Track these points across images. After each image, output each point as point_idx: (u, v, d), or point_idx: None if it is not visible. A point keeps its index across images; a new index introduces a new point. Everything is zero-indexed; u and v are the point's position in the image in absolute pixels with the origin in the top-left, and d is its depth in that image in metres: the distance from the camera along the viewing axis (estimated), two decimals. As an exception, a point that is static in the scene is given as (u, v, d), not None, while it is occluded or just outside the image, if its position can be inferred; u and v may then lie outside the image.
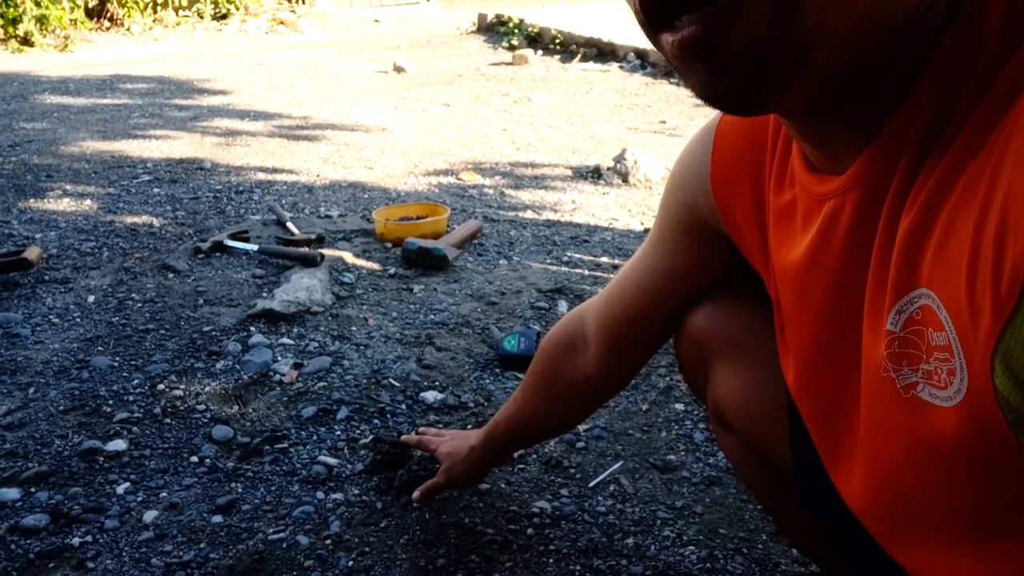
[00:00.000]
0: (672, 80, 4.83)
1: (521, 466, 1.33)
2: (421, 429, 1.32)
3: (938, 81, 0.43)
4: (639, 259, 0.87)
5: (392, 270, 2.14)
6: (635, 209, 2.67)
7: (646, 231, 2.05)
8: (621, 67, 5.36)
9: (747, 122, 0.66)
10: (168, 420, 1.44)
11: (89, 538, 1.15)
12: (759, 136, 0.64)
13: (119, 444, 1.36)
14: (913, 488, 0.50)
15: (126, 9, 7.39)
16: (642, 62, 5.29)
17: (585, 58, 5.68)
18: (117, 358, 1.66)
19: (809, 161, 0.55)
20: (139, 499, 1.23)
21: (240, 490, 1.26)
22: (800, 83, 0.43)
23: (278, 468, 1.32)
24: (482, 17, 7.35)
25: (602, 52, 5.71)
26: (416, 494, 1.18)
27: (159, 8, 7.65)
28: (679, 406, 1.51)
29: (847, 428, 0.56)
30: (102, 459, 1.32)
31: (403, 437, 1.30)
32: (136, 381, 1.57)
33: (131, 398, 1.51)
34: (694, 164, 0.73)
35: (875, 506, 0.55)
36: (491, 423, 1.12)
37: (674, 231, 0.80)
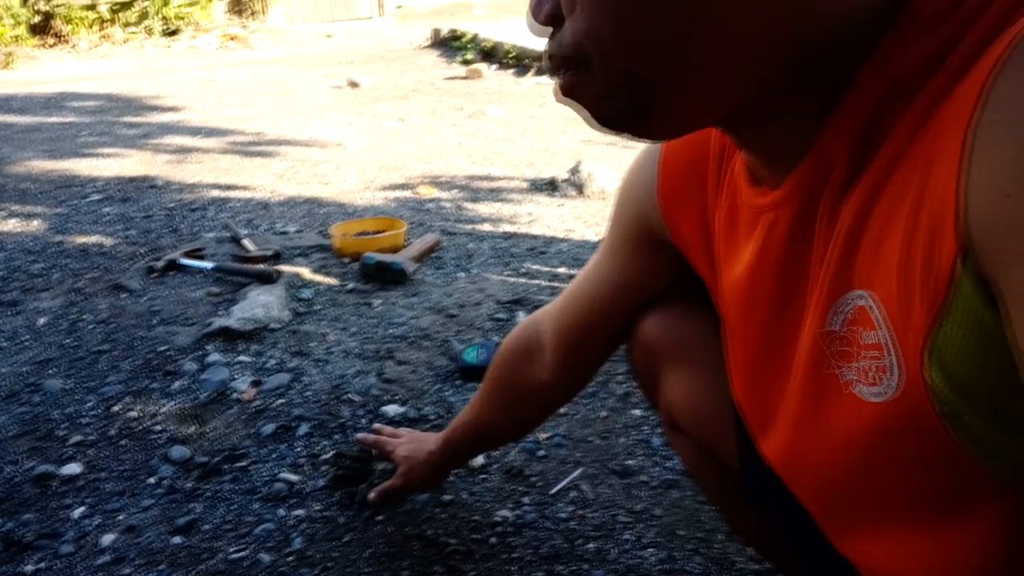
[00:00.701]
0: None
1: (483, 476, 1.34)
2: (376, 427, 1.32)
3: (866, 95, 0.45)
4: (591, 268, 0.90)
5: (350, 285, 2.14)
6: (591, 220, 2.71)
7: (602, 242, 2.11)
8: (574, 80, 5.44)
9: (692, 136, 0.68)
10: (124, 442, 1.42)
11: (43, 564, 1.13)
12: (703, 148, 0.66)
13: (73, 468, 1.34)
14: (853, 481, 0.52)
15: (72, 25, 7.26)
16: (595, 75, 5.38)
17: (539, 72, 5.75)
18: (70, 381, 1.63)
19: (752, 173, 0.57)
20: (95, 523, 1.22)
21: (200, 510, 1.25)
22: (659, 122, 0.50)
23: (238, 486, 1.31)
24: (436, 32, 7.39)
25: (555, 66, 5.78)
26: (372, 495, 1.20)
27: (106, 25, 7.53)
28: (636, 412, 1.54)
29: (787, 429, 0.59)
30: (56, 484, 1.30)
31: (359, 436, 1.31)
32: (90, 403, 1.54)
33: (85, 421, 1.49)
34: (642, 176, 0.76)
35: (820, 500, 0.58)
36: (449, 428, 1.14)
37: (624, 242, 0.83)
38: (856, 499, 0.53)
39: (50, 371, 1.66)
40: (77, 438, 1.42)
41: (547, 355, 0.97)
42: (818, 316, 0.50)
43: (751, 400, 0.63)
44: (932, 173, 0.39)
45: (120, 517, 1.23)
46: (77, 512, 1.24)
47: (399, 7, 9.81)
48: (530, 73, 5.74)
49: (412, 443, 1.21)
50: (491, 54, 6.38)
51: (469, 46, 6.60)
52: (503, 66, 6.07)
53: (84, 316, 1.93)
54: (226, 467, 1.35)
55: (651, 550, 1.17)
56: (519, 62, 6.03)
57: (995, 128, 0.36)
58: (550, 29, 0.50)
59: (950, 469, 0.45)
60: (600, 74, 0.48)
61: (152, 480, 1.32)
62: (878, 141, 0.45)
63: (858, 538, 0.55)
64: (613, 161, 3.41)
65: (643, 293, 0.86)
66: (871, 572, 0.55)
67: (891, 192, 0.43)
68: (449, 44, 7.05)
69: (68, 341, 1.80)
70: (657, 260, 0.81)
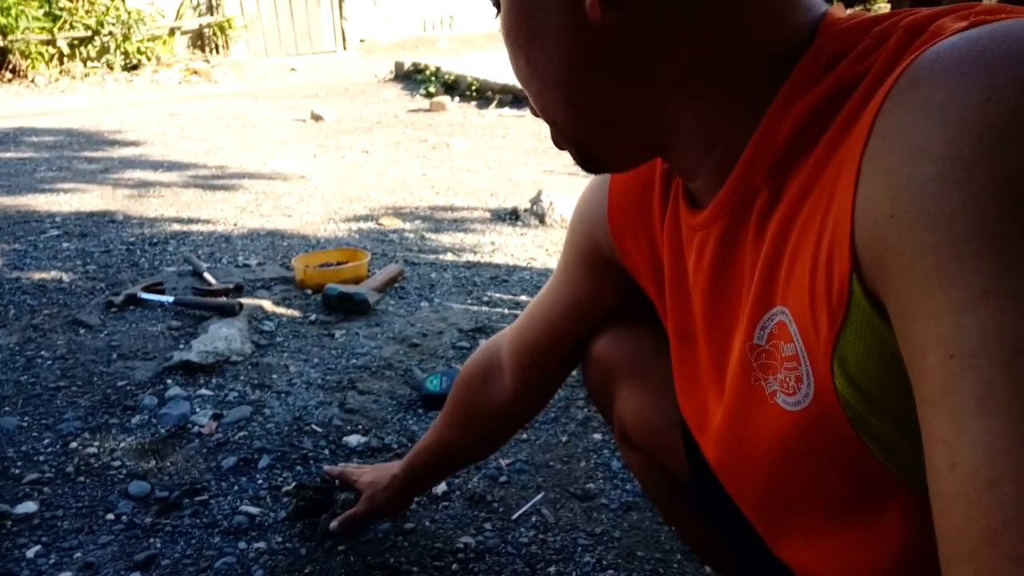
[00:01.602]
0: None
1: (445, 503, 1.35)
2: (342, 465, 1.34)
3: (780, 126, 0.49)
4: (547, 290, 0.93)
5: (313, 316, 2.14)
6: (552, 248, 2.76)
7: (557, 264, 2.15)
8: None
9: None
10: (82, 478, 1.41)
11: (-2, 605, 1.11)
12: (648, 173, 0.70)
13: (29, 506, 1.32)
14: (780, 487, 0.55)
15: (30, 60, 7.19)
16: (556, 107, 5.47)
17: (501, 104, 5.83)
18: (26, 418, 1.61)
19: (690, 195, 0.61)
20: (51, 561, 1.20)
21: (159, 545, 1.24)
22: (607, 164, 0.62)
23: (198, 520, 1.30)
24: (399, 65, 7.46)
25: (517, 98, 5.87)
26: (334, 524, 1.21)
27: (66, 59, 7.47)
28: (597, 436, 1.56)
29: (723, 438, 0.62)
30: (10, 523, 1.28)
31: (325, 468, 1.32)
32: (47, 440, 1.52)
33: (41, 458, 1.47)
34: (594, 201, 0.80)
35: (756, 507, 0.61)
36: (411, 452, 1.16)
37: (577, 263, 0.87)
38: (784, 505, 0.56)
39: (5, 409, 1.64)
40: (33, 476, 1.40)
41: (506, 375, 0.99)
42: (747, 330, 0.54)
43: (693, 412, 0.66)
44: (834, 198, 0.43)
45: (77, 555, 1.21)
46: (32, 551, 1.22)
47: (362, 41, 9.89)
48: (492, 105, 5.81)
49: (376, 471, 1.23)
50: (454, 87, 6.45)
51: (432, 79, 6.67)
52: (466, 98, 6.14)
53: (41, 352, 1.90)
54: (186, 501, 1.35)
55: (611, 572, 1.18)
56: (481, 94, 6.11)
57: (877, 158, 0.40)
58: None
59: (863, 473, 0.48)
60: (558, 134, 0.61)
61: (110, 516, 1.30)
62: (794, 168, 0.49)
63: (790, 543, 0.58)
64: (574, 190, 3.47)
65: (595, 312, 0.89)
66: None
67: (805, 214, 0.47)
68: (412, 77, 7.12)
69: (24, 378, 1.77)
70: (607, 280, 0.84)
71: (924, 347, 0.36)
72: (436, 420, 1.12)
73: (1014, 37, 0.37)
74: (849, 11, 0.52)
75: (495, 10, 0.58)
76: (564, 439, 1.55)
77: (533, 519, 1.31)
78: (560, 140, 0.61)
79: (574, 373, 1.75)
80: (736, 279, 0.56)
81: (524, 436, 1.56)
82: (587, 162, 0.62)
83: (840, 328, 0.43)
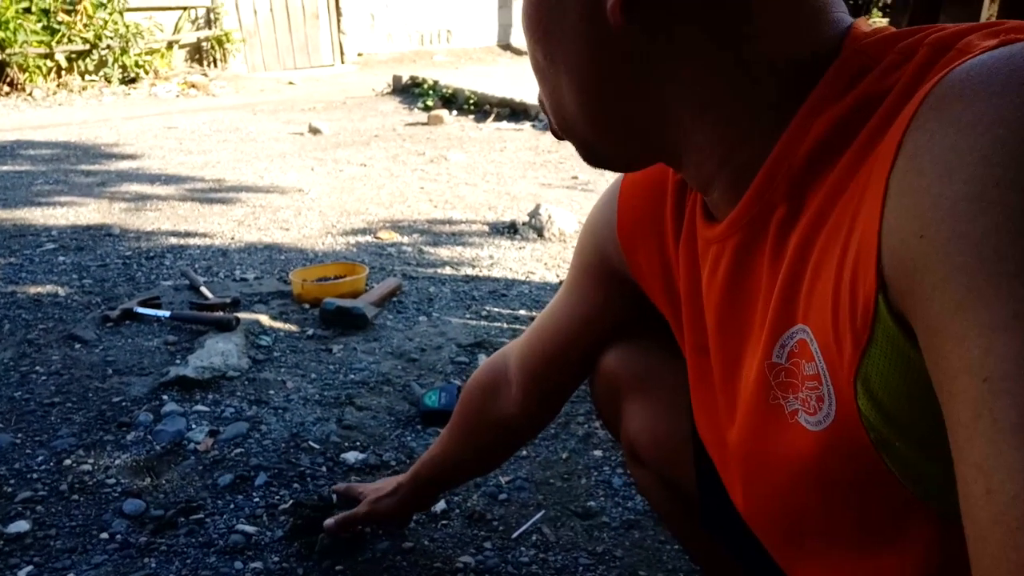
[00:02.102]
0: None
1: (444, 522, 1.33)
2: (346, 484, 1.33)
3: (799, 142, 0.49)
4: (556, 303, 0.92)
5: (310, 331, 2.13)
6: (551, 262, 2.75)
7: (562, 283, 2.15)
8: (534, 125, 5.53)
9: (648, 174, 0.72)
10: (76, 496, 1.39)
11: (-12, 627, 1.09)
12: (661, 185, 0.69)
13: (21, 525, 1.30)
14: (798, 508, 0.54)
15: (28, 74, 7.19)
16: (554, 120, 5.48)
17: (499, 117, 5.84)
18: (19, 435, 1.59)
19: (707, 208, 0.60)
20: (44, 582, 1.18)
21: (154, 565, 1.22)
22: (614, 163, 0.62)
23: (194, 540, 1.28)
24: (397, 79, 7.48)
25: (515, 111, 5.88)
26: (329, 522, 1.19)
27: (64, 73, 7.48)
28: (598, 452, 1.54)
29: (739, 460, 0.60)
30: (2, 543, 1.26)
31: (332, 488, 1.32)
32: (40, 457, 1.50)
33: (35, 476, 1.45)
34: (604, 215, 0.79)
35: (770, 528, 0.59)
36: (417, 464, 1.15)
37: (586, 278, 0.86)
38: (803, 526, 0.55)
39: (-1, 425, 1.62)
40: (26, 494, 1.38)
41: (513, 388, 0.98)
42: (765, 348, 0.52)
43: (710, 429, 0.65)
44: (859, 216, 0.42)
45: (70, 575, 1.19)
46: (23, 572, 1.20)
47: (360, 55, 9.92)
48: (490, 119, 5.82)
49: (381, 482, 1.23)
50: (452, 100, 6.47)
51: (430, 92, 6.69)
52: (464, 112, 6.15)
53: (36, 368, 1.89)
54: (181, 520, 1.33)
55: (613, 592, 1.17)
56: (479, 108, 6.12)
57: (906, 177, 0.39)
58: None
59: (885, 495, 0.47)
60: (566, 134, 0.62)
61: (104, 535, 1.28)
62: (815, 183, 0.48)
63: (808, 566, 0.56)
64: (572, 204, 3.46)
65: (605, 325, 0.88)
66: None
67: (827, 232, 0.46)
68: (410, 91, 7.14)
69: (18, 394, 1.75)
70: (617, 295, 0.83)
71: (955, 370, 0.35)
72: (443, 432, 1.12)
73: None
74: (873, 23, 0.52)
75: None
76: (564, 456, 1.54)
77: (534, 538, 1.30)
78: (564, 133, 0.61)
79: (574, 389, 1.74)
80: (751, 295, 0.55)
81: (524, 453, 1.54)
82: (591, 157, 0.62)
83: (865, 348, 0.42)
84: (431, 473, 1.13)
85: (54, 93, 7.29)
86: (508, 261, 2.76)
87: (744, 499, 0.61)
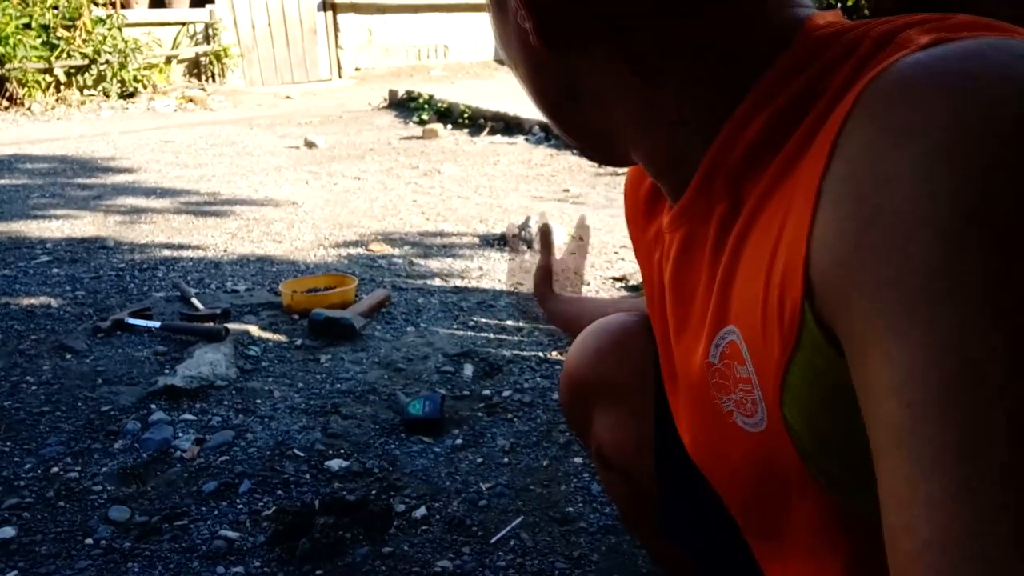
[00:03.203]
0: (574, 152, 5.03)
1: (424, 527, 1.35)
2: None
3: (741, 134, 0.48)
4: None
5: (299, 341, 2.15)
6: (540, 274, 2.77)
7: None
8: (527, 139, 5.57)
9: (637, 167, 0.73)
10: (62, 503, 1.41)
11: (-28, 630, 1.11)
12: (639, 177, 0.71)
13: (7, 531, 1.32)
14: (750, 507, 0.54)
15: (27, 89, 7.24)
16: (547, 134, 5.52)
17: (493, 131, 5.89)
18: (8, 443, 1.61)
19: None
20: (28, 586, 1.20)
21: (137, 570, 1.24)
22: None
23: (177, 545, 1.30)
24: (393, 93, 7.53)
25: (509, 125, 5.93)
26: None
27: (62, 87, 7.52)
28: (578, 460, 1.57)
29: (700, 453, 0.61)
30: (-12, 548, 1.28)
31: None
32: (28, 465, 1.53)
33: (22, 483, 1.47)
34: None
35: (741, 519, 0.59)
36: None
37: None
38: (763, 523, 0.55)
39: (-12, 434, 1.64)
40: (12, 500, 1.40)
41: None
42: (704, 347, 0.52)
43: (681, 423, 0.65)
44: (789, 219, 0.42)
45: (53, 580, 1.21)
46: (9, 576, 1.22)
47: (357, 69, 9.98)
48: (484, 132, 5.87)
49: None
50: (447, 114, 6.51)
51: (425, 107, 6.73)
52: (458, 126, 6.20)
53: (26, 378, 1.91)
54: (165, 526, 1.35)
55: (587, 595, 1.19)
56: (474, 122, 6.17)
57: (840, 184, 0.38)
58: None
59: (815, 503, 0.47)
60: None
61: (89, 541, 1.31)
62: (752, 179, 0.47)
63: (773, 564, 0.57)
64: (563, 217, 3.49)
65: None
66: None
67: (758, 231, 0.45)
68: (406, 105, 7.19)
69: (8, 403, 1.78)
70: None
71: (881, 391, 0.34)
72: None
73: (979, 59, 0.36)
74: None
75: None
76: (545, 463, 1.56)
77: (512, 543, 1.32)
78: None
79: (554, 397, 1.76)
80: (693, 289, 0.55)
81: (505, 460, 1.57)
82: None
83: (791, 355, 0.42)
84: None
85: (52, 107, 7.33)
86: (497, 272, 2.79)
87: (718, 489, 0.61)
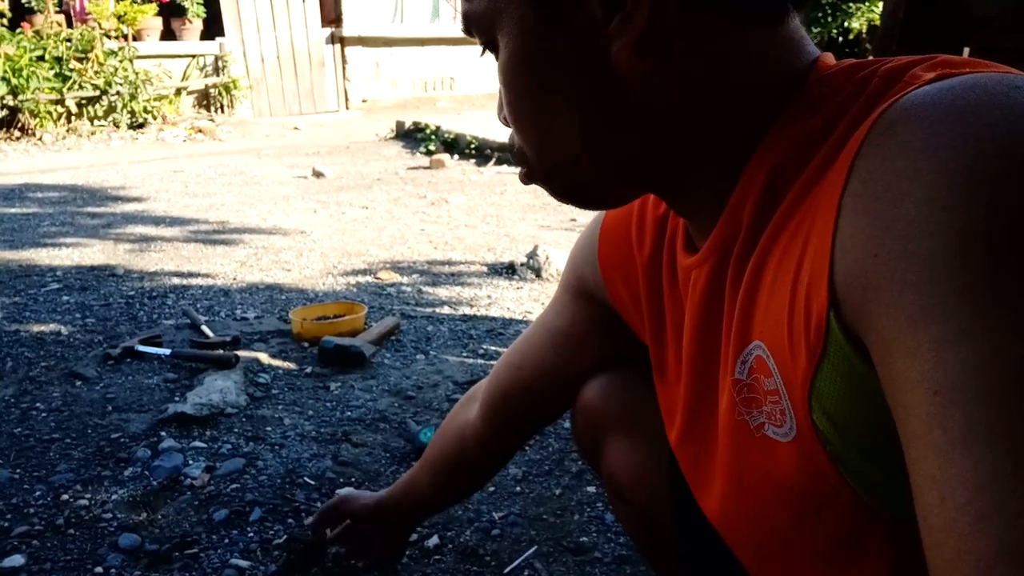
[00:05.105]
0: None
1: (437, 557, 1.34)
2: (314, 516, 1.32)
3: (764, 164, 0.51)
4: (527, 331, 0.94)
5: (309, 369, 2.15)
6: (548, 302, 2.77)
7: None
8: (534, 169, 5.61)
9: (627, 210, 0.74)
10: (72, 531, 1.40)
11: (-19, 660, 1.09)
12: (641, 214, 0.72)
13: (16, 560, 1.31)
14: (778, 527, 0.55)
15: (38, 119, 7.32)
16: (554, 164, 5.55)
17: (499, 161, 5.93)
18: (18, 470, 1.60)
19: (687, 236, 0.63)
20: (37, 615, 1.18)
21: (147, 599, 1.22)
22: (595, 193, 0.61)
23: (187, 574, 1.29)
24: (400, 124, 7.61)
25: (516, 155, 5.97)
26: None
27: (73, 118, 7.61)
28: (591, 489, 1.55)
29: (720, 480, 0.62)
30: (-3, 576, 1.27)
31: (306, 523, 1.32)
32: (38, 493, 1.52)
33: (32, 511, 1.46)
34: (586, 244, 0.82)
35: (755, 553, 0.60)
36: (391, 488, 1.18)
37: (564, 294, 0.88)
38: (781, 547, 0.56)
39: (-2, 461, 1.64)
40: (22, 528, 1.39)
41: (476, 419, 1.00)
42: (730, 366, 0.54)
43: (687, 457, 0.66)
44: (812, 235, 0.45)
45: (63, 608, 1.20)
46: (18, 605, 1.20)
47: (365, 101, 10.09)
48: (491, 163, 5.91)
49: (353, 500, 1.25)
50: (453, 145, 6.57)
51: (432, 137, 6.79)
52: (465, 156, 6.25)
53: (37, 405, 1.91)
54: (176, 555, 1.33)
55: (603, 626, 1.17)
56: (480, 152, 6.22)
57: (859, 199, 0.42)
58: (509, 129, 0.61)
59: (846, 511, 0.48)
60: (537, 166, 0.59)
61: (99, 570, 1.29)
62: (775, 204, 0.50)
63: None
64: (570, 245, 3.50)
65: (575, 344, 0.88)
66: None
67: (781, 250, 0.48)
68: (413, 136, 7.25)
69: (19, 430, 1.77)
70: (597, 316, 0.84)
71: (907, 384, 0.37)
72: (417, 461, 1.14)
73: (981, 89, 0.40)
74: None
75: (486, 51, 0.58)
76: (558, 492, 1.55)
77: (526, 573, 1.30)
78: (549, 175, 0.60)
79: (566, 425, 1.75)
80: (720, 318, 0.57)
81: (518, 489, 1.56)
82: (578, 197, 0.61)
83: (818, 363, 0.44)
84: (399, 498, 1.15)
85: (63, 138, 7.41)
86: (506, 301, 2.79)
87: (728, 525, 0.62)
